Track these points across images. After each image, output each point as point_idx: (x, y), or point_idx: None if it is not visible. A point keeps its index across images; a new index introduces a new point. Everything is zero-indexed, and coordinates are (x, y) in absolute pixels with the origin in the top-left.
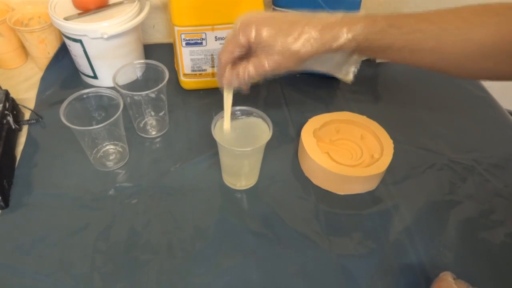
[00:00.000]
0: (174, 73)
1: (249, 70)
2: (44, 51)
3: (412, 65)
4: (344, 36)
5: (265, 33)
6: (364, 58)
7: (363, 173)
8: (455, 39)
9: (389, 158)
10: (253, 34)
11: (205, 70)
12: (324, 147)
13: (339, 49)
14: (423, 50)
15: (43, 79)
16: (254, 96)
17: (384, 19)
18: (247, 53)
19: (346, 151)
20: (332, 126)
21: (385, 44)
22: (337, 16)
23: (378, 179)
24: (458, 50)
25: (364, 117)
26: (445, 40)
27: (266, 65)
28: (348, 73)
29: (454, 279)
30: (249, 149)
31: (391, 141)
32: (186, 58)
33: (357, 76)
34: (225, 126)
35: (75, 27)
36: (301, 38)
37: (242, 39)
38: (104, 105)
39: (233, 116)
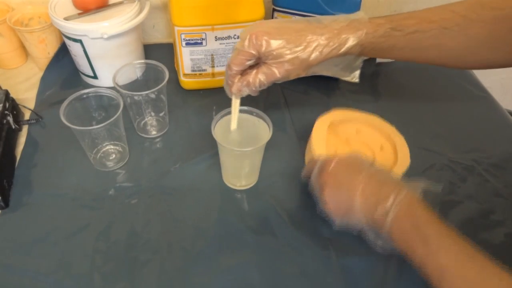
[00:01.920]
0: (174, 73)
1: (260, 79)
2: (44, 51)
3: (412, 61)
4: (350, 42)
5: (274, 44)
6: (365, 58)
7: None
8: (455, 35)
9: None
10: (263, 45)
11: (205, 70)
12: (336, 143)
13: (346, 54)
14: (424, 48)
15: (43, 79)
16: (254, 96)
17: (387, 22)
18: (256, 63)
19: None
20: (355, 125)
21: (388, 45)
22: (342, 22)
23: None
24: (457, 44)
25: (394, 128)
26: (445, 37)
27: (277, 74)
28: (355, 76)
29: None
30: (249, 149)
31: (408, 162)
32: (186, 58)
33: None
34: (232, 128)
35: (75, 27)
36: (310, 46)
37: (253, 51)
38: (104, 105)
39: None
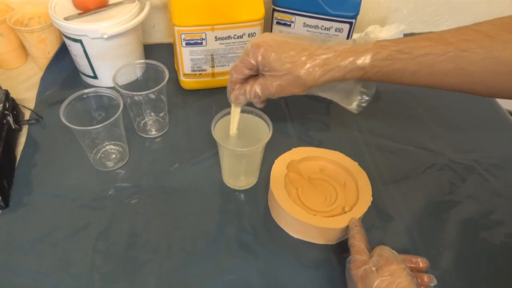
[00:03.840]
0: (174, 73)
1: (256, 90)
2: (44, 51)
3: (432, 88)
4: (349, 66)
5: (272, 56)
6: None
7: (319, 223)
8: (478, 58)
9: (354, 217)
10: (260, 56)
11: (205, 70)
12: (298, 181)
13: (343, 78)
14: (440, 73)
15: (43, 79)
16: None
17: (393, 44)
18: (257, 73)
19: (321, 193)
20: (318, 162)
21: (395, 69)
22: (347, 44)
23: (334, 235)
24: (483, 69)
25: (356, 163)
26: (466, 61)
27: (271, 88)
28: (352, 103)
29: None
30: (249, 149)
31: (369, 200)
32: (186, 58)
33: None
34: (231, 132)
35: (75, 27)
36: (306, 65)
37: (252, 60)
38: (104, 105)
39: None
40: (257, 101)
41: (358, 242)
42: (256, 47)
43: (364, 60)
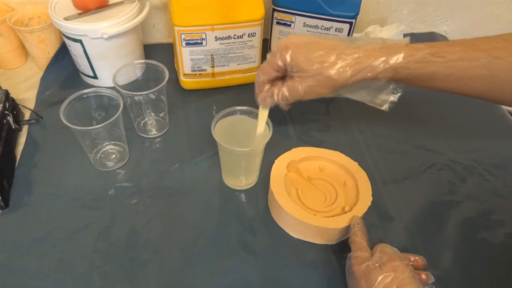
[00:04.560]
0: (174, 73)
1: (284, 92)
2: (44, 51)
3: (459, 94)
4: (382, 65)
5: (301, 57)
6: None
7: (319, 223)
8: (508, 66)
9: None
10: (289, 57)
11: (205, 70)
12: (298, 181)
13: (375, 78)
14: (471, 78)
15: (43, 79)
16: (254, 96)
17: (426, 47)
18: (285, 75)
19: (321, 193)
20: (318, 162)
21: (428, 72)
22: (377, 44)
23: (333, 235)
24: (511, 77)
25: (356, 163)
26: (498, 68)
27: (300, 89)
28: (383, 103)
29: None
30: (249, 149)
31: (369, 200)
32: (186, 58)
33: None
34: (257, 133)
35: (75, 27)
36: (337, 65)
37: (279, 61)
38: (104, 105)
39: (234, 115)
40: (284, 103)
41: (360, 239)
42: (284, 48)
43: (397, 60)
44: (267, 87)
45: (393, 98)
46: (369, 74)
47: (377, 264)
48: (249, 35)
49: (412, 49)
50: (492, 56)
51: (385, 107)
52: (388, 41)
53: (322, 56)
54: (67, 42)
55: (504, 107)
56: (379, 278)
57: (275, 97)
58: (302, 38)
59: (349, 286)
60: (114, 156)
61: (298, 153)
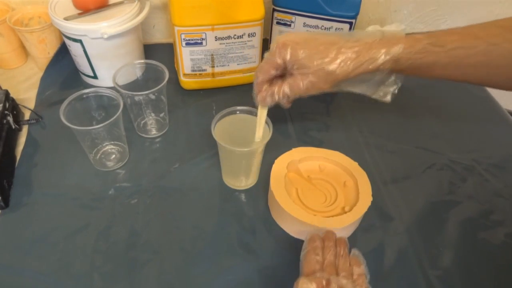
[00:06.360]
0: (174, 73)
1: (284, 90)
2: (44, 51)
3: (458, 81)
4: (382, 57)
5: (301, 54)
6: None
7: (319, 223)
8: (504, 52)
9: (354, 217)
10: (289, 54)
11: (205, 70)
12: (298, 181)
13: (376, 70)
14: (470, 65)
15: (43, 79)
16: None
17: (426, 37)
18: (284, 73)
19: (320, 193)
20: (318, 162)
21: (428, 62)
22: (376, 36)
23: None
24: (507, 62)
25: (356, 163)
26: (495, 54)
27: (301, 85)
28: (386, 95)
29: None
30: (249, 149)
31: (369, 200)
32: (186, 58)
33: None
34: (256, 136)
35: (75, 27)
36: (338, 59)
37: (279, 59)
38: (104, 105)
39: (233, 115)
40: (285, 101)
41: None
42: (282, 46)
43: (398, 50)
44: (265, 86)
45: (394, 89)
46: (370, 67)
47: None
48: (249, 35)
49: (412, 40)
50: (489, 43)
51: (387, 98)
52: (386, 33)
53: (322, 51)
54: (67, 42)
55: (504, 107)
56: None
57: (276, 96)
58: (300, 35)
59: None
60: (114, 156)
61: (298, 153)
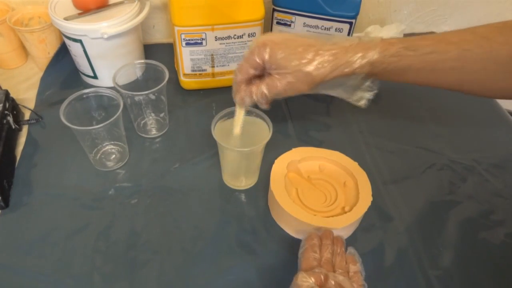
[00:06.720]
0: (174, 73)
1: (262, 90)
2: (44, 51)
3: (433, 86)
4: (359, 61)
5: (279, 54)
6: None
7: (319, 223)
8: (476, 57)
9: (354, 217)
10: (267, 54)
11: (205, 70)
12: (298, 181)
13: (352, 73)
14: (443, 70)
15: (43, 79)
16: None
17: (400, 42)
18: (263, 73)
19: (320, 192)
20: (318, 162)
21: (402, 66)
22: (353, 40)
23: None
24: (481, 68)
25: (356, 163)
26: (466, 59)
27: (279, 86)
28: (361, 99)
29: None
30: (249, 149)
31: (369, 200)
32: (186, 58)
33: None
34: (234, 132)
35: (75, 27)
36: (315, 61)
37: (257, 59)
38: (104, 105)
39: (234, 115)
40: (263, 101)
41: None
42: (261, 45)
43: (373, 55)
44: (243, 86)
45: (369, 95)
46: (346, 70)
47: None
48: (249, 35)
49: (387, 44)
50: (462, 49)
51: (362, 103)
52: (363, 38)
53: (300, 52)
54: (67, 42)
55: (504, 108)
56: None
57: (254, 96)
58: (280, 36)
59: None
60: (114, 156)
61: (298, 153)
